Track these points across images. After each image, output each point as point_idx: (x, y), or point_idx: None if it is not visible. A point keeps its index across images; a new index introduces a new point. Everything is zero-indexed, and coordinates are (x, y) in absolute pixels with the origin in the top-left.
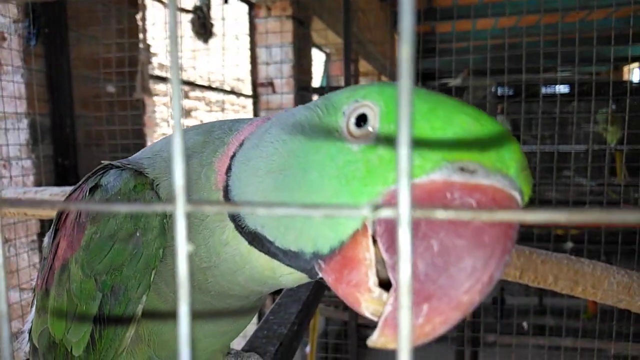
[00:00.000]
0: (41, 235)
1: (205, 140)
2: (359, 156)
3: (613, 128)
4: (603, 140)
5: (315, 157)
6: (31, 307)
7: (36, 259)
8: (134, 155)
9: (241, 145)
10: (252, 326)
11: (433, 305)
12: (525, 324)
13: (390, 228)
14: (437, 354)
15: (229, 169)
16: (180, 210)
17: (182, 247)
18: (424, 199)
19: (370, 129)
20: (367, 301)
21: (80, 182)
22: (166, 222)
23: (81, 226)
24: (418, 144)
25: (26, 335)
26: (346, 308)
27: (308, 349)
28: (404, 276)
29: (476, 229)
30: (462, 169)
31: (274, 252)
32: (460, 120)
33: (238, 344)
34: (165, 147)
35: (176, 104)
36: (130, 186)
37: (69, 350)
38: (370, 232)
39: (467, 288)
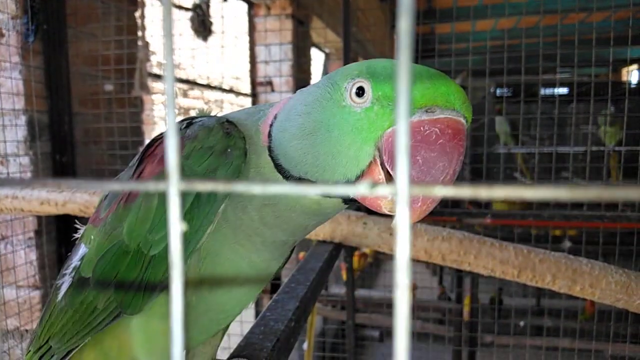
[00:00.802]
0: (38, 232)
1: (254, 111)
2: (362, 115)
3: (612, 129)
4: (602, 141)
5: (333, 121)
6: (77, 247)
7: (33, 256)
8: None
9: (275, 117)
10: (248, 323)
11: (424, 195)
12: (522, 323)
13: (391, 157)
14: (435, 353)
15: (269, 135)
16: (173, 188)
17: (175, 225)
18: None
19: (366, 97)
20: (384, 204)
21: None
22: (247, 147)
23: (179, 146)
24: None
25: (65, 279)
26: (343, 307)
27: (305, 346)
28: (401, 254)
29: (441, 144)
30: (427, 111)
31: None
32: (422, 81)
33: (235, 343)
34: (227, 115)
35: (169, 87)
36: (223, 120)
37: (146, 251)
38: (379, 161)
39: (442, 179)
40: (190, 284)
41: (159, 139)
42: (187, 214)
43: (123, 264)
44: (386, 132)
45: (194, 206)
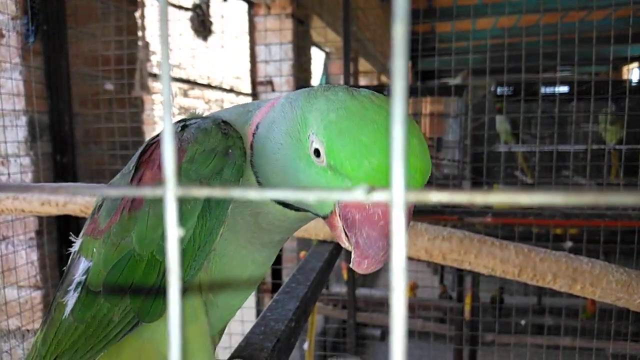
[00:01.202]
0: (39, 233)
1: (242, 112)
2: (321, 172)
3: (613, 128)
4: (602, 140)
5: (300, 165)
6: (76, 262)
7: (34, 256)
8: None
9: (257, 127)
10: (249, 322)
11: (370, 262)
12: (523, 322)
13: (345, 214)
14: (436, 352)
15: (252, 145)
16: (170, 193)
17: (173, 231)
18: (351, 210)
19: (322, 158)
20: (343, 237)
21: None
22: (245, 147)
23: (179, 150)
24: (349, 171)
25: (70, 295)
26: (344, 306)
27: (306, 345)
28: (397, 258)
29: (381, 227)
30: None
31: (296, 207)
32: (373, 156)
33: (236, 342)
34: (217, 115)
35: (166, 87)
36: (218, 121)
37: (161, 259)
38: (337, 212)
39: (380, 257)
40: (204, 285)
41: (154, 143)
42: (201, 217)
43: (137, 273)
44: (340, 204)
45: (205, 209)
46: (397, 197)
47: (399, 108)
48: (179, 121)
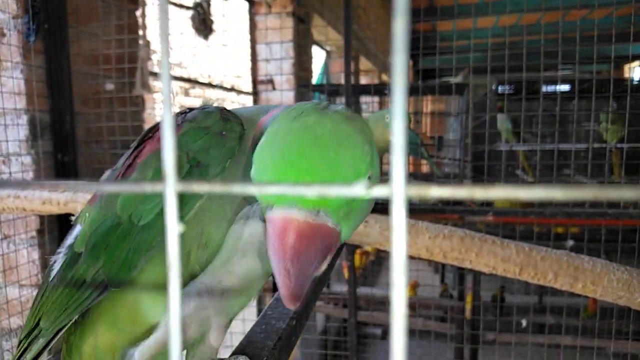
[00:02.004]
0: (40, 231)
1: (257, 112)
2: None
3: (614, 127)
4: (603, 138)
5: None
6: (72, 228)
7: (36, 255)
8: None
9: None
10: (250, 321)
11: (286, 284)
12: (524, 321)
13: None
14: (437, 351)
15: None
16: (170, 189)
17: (173, 226)
18: (278, 224)
19: None
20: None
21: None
22: (241, 135)
23: (178, 126)
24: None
25: (59, 257)
26: (345, 305)
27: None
28: (398, 253)
29: (284, 244)
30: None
31: None
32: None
33: (237, 341)
34: (236, 110)
35: (166, 85)
36: (220, 108)
37: (136, 221)
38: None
39: (295, 280)
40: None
41: (155, 128)
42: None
43: (113, 236)
44: None
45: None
46: (398, 191)
47: (399, 103)
48: (190, 107)
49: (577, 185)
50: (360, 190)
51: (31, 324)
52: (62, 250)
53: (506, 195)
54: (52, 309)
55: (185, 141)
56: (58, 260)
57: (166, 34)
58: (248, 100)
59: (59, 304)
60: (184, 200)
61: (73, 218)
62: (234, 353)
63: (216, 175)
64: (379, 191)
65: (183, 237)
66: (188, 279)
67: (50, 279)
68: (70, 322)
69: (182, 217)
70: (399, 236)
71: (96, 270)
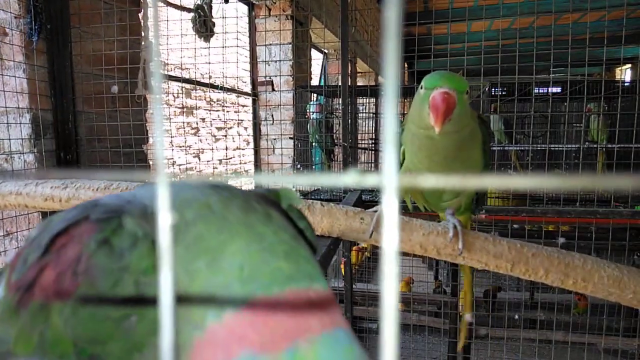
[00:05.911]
0: None
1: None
2: None
3: (601, 127)
4: (593, 139)
5: None
6: None
7: None
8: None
9: None
10: None
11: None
12: (516, 316)
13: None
14: (431, 345)
15: None
16: (162, 178)
17: (164, 217)
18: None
19: None
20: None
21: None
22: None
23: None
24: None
25: None
26: (342, 301)
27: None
28: (390, 245)
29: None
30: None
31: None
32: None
33: None
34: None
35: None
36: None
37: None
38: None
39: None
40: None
41: (64, 232)
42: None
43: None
44: None
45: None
46: (389, 181)
47: (391, 93)
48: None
49: (565, 176)
50: (352, 178)
51: None
52: None
53: (499, 185)
54: None
55: (74, 325)
56: None
57: (157, 35)
58: (248, 102)
59: None
60: None
61: None
62: None
63: None
64: (372, 180)
65: None
66: None
67: None
68: None
69: None
70: (390, 225)
71: None
